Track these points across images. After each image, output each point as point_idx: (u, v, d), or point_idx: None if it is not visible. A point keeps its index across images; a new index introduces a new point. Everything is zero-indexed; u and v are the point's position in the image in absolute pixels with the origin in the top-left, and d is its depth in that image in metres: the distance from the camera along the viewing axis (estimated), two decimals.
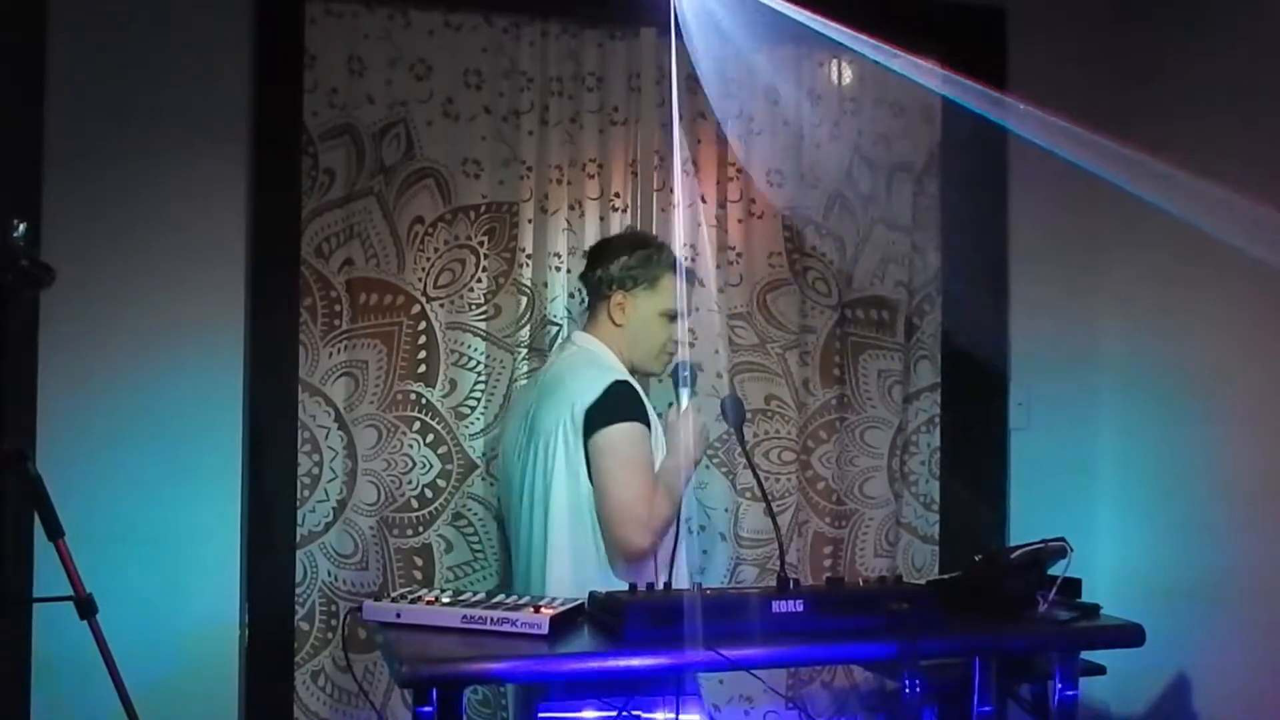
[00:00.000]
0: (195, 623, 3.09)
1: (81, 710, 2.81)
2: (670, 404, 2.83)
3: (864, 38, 3.33)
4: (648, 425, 2.68)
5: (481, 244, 3.39)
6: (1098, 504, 3.76)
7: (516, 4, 3.40)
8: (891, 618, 2.26)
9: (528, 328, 3.41)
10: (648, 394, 2.86)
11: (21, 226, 2.43)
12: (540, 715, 2.53)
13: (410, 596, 2.31)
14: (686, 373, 2.74)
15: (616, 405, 2.66)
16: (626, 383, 2.71)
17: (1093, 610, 2.50)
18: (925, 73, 3.69)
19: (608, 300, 2.85)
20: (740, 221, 3.57)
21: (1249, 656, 3.22)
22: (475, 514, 3.37)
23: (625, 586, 2.35)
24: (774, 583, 2.33)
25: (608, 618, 2.24)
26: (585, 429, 2.65)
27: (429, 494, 3.35)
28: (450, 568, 3.35)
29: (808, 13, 3.21)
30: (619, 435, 2.64)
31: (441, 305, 3.36)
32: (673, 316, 2.80)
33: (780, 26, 3.37)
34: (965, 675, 2.51)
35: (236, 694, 3.16)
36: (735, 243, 3.57)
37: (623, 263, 2.85)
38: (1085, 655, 2.66)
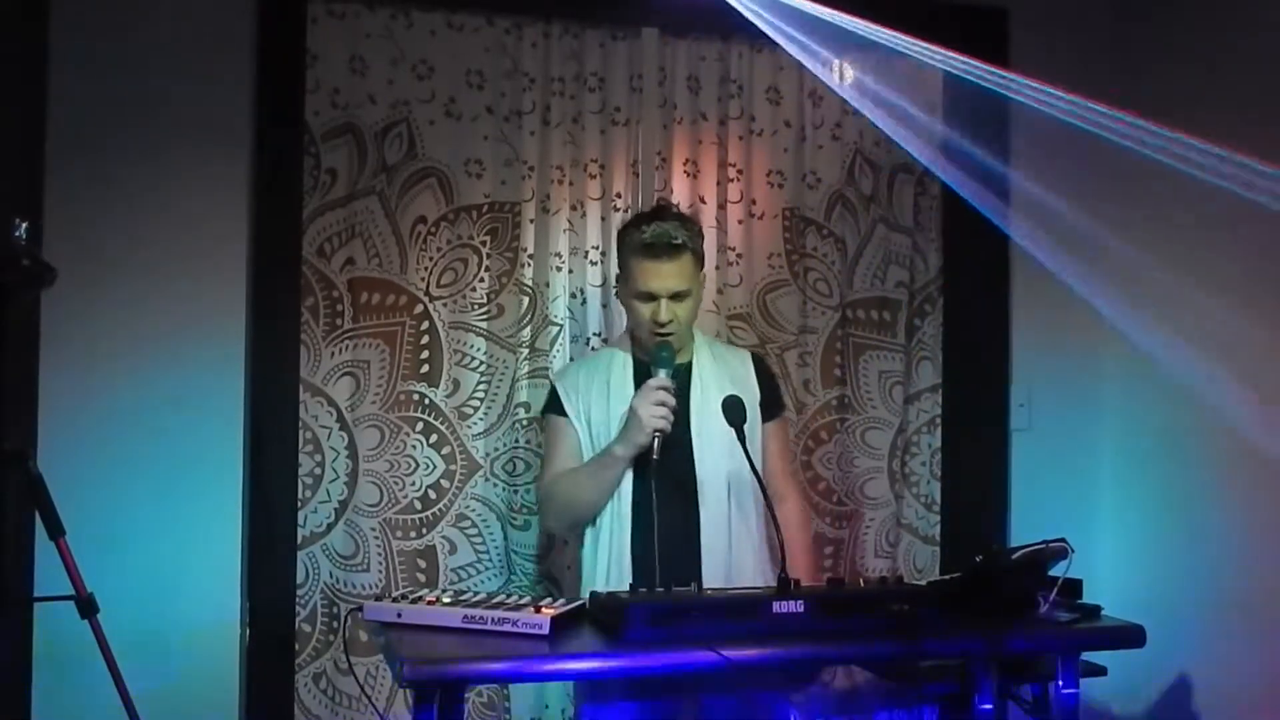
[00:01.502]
0: (196, 623, 3.09)
1: (82, 710, 2.81)
2: None
3: (867, 36, 3.33)
4: (559, 413, 2.86)
5: (484, 244, 3.39)
6: (1099, 505, 3.76)
7: (518, 5, 3.40)
8: (892, 618, 2.26)
9: (529, 327, 3.41)
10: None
11: (23, 226, 2.44)
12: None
13: (411, 597, 2.31)
14: (664, 353, 2.73)
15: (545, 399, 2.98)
16: (550, 379, 3.04)
17: (1093, 611, 2.49)
18: (927, 72, 3.69)
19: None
20: (740, 222, 3.57)
21: (1250, 657, 3.21)
22: (479, 515, 3.37)
23: None
24: (774, 583, 2.33)
25: (608, 618, 2.24)
26: None
27: (432, 495, 3.35)
28: (454, 569, 3.35)
29: (812, 7, 3.21)
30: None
31: (444, 305, 3.37)
32: (646, 297, 2.76)
33: (783, 26, 3.38)
34: (966, 676, 2.50)
35: (237, 695, 3.16)
36: (735, 243, 3.57)
37: (616, 247, 2.90)
38: (1086, 656, 2.65)
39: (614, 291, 2.92)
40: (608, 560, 2.74)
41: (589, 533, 2.82)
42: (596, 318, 3.45)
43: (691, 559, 2.71)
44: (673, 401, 2.67)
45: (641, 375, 2.81)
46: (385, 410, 3.33)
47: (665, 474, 2.67)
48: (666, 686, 2.55)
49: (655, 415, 2.63)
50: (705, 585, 2.57)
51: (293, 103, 3.24)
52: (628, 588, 2.41)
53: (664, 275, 2.74)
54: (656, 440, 2.63)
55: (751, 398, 2.85)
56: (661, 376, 2.69)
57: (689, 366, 2.86)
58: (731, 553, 2.76)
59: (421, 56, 3.35)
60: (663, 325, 2.75)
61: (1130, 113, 3.40)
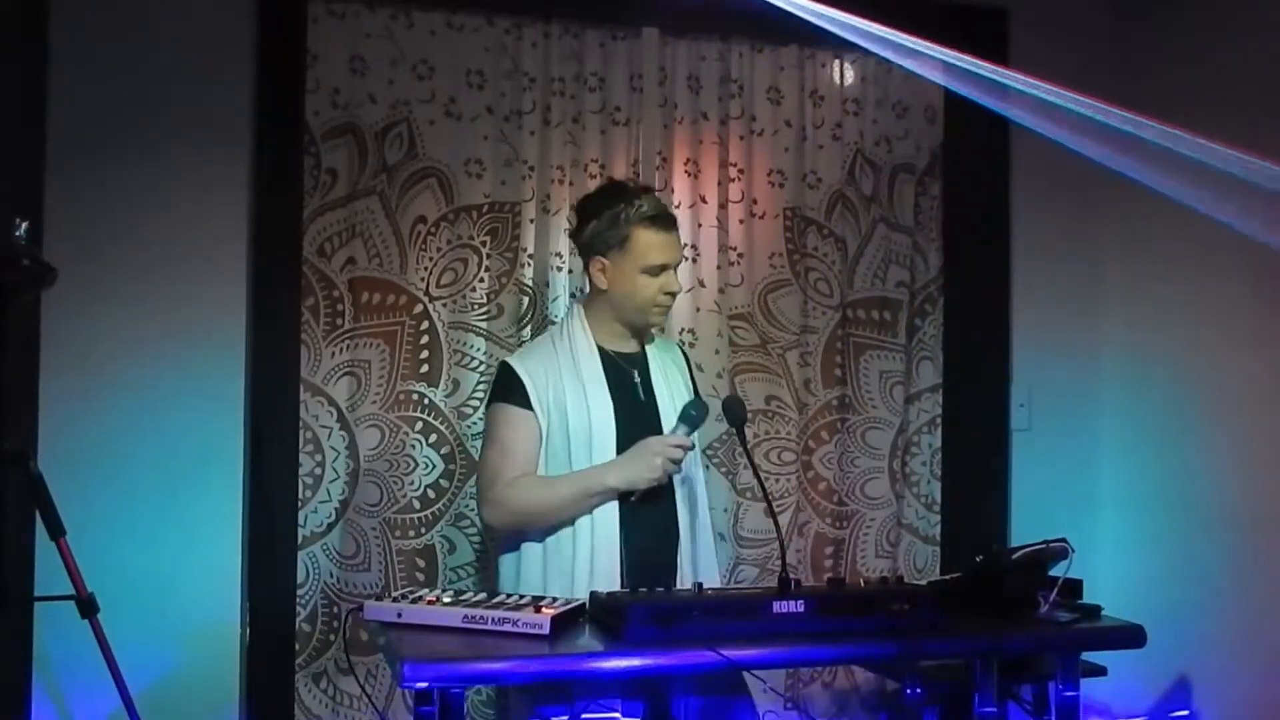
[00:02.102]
0: (196, 623, 3.09)
1: (82, 710, 2.82)
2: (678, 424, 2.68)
3: (867, 37, 3.33)
4: (522, 405, 2.67)
5: (484, 244, 3.39)
6: (1099, 505, 3.76)
7: (518, 5, 3.40)
8: (892, 619, 2.26)
9: (529, 327, 3.41)
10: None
11: (23, 226, 2.43)
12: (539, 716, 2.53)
13: (411, 596, 2.31)
14: (694, 411, 2.65)
15: (493, 385, 2.78)
16: (506, 364, 2.76)
17: (1094, 611, 2.49)
18: (927, 72, 3.69)
19: (589, 266, 2.77)
20: (741, 222, 3.57)
21: (1249, 657, 3.21)
22: (478, 515, 3.37)
23: None
24: (774, 583, 2.33)
25: (609, 618, 2.24)
26: None
27: (431, 494, 3.35)
28: (453, 569, 3.35)
29: (813, 6, 3.21)
30: (488, 413, 2.79)
31: (444, 305, 3.37)
32: (655, 270, 2.69)
33: (784, 26, 3.38)
34: (966, 676, 2.50)
35: (238, 695, 3.16)
36: (736, 243, 3.57)
37: (593, 228, 2.73)
38: (1086, 656, 2.65)
39: (595, 273, 2.72)
40: (589, 566, 2.63)
41: (534, 546, 2.69)
42: None
43: (669, 558, 2.68)
44: (685, 462, 2.65)
45: (608, 363, 2.74)
46: (385, 410, 3.33)
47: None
48: (625, 687, 2.51)
49: (669, 470, 2.60)
50: (681, 583, 2.59)
51: (293, 103, 3.24)
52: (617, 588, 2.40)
53: (671, 246, 2.71)
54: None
55: (689, 387, 2.86)
56: (683, 433, 2.63)
57: (644, 355, 2.81)
58: (697, 548, 2.74)
59: (421, 56, 3.35)
60: (673, 295, 2.74)
61: (1130, 112, 3.40)
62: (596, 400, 2.69)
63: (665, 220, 2.71)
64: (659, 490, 2.66)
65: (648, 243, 2.68)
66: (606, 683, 2.43)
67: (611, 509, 2.63)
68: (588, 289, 2.81)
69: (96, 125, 3.08)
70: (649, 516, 2.65)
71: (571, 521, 2.63)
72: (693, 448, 2.65)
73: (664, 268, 2.70)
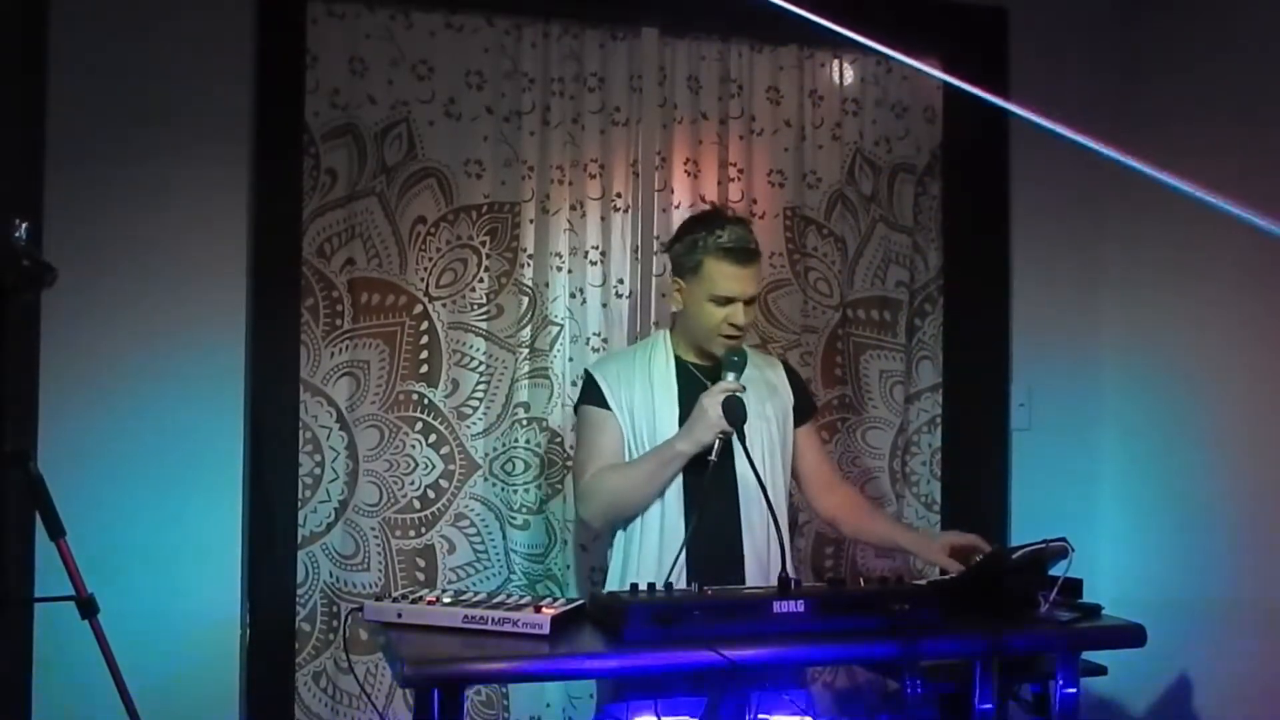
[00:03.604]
0: (196, 623, 3.08)
1: (82, 710, 2.82)
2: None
3: (867, 38, 3.34)
4: (600, 405, 2.80)
5: (483, 244, 3.39)
6: (1099, 504, 3.76)
7: (518, 5, 3.40)
8: (892, 619, 2.26)
9: (529, 328, 3.41)
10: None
11: (23, 226, 2.43)
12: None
13: (411, 596, 2.31)
14: (735, 357, 2.70)
15: (580, 391, 2.92)
16: (586, 370, 2.94)
17: (1094, 610, 2.49)
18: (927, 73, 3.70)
19: (673, 285, 2.87)
20: None
21: (1250, 657, 3.21)
22: (478, 515, 3.37)
23: None
24: (775, 583, 2.33)
25: (608, 618, 2.24)
26: None
27: (431, 494, 3.35)
28: (453, 569, 3.35)
29: (811, 12, 3.22)
30: (577, 417, 2.91)
31: (443, 305, 3.37)
32: (722, 300, 2.73)
33: (783, 27, 3.37)
34: (966, 675, 2.50)
35: (237, 694, 3.16)
36: None
37: (675, 250, 2.84)
38: (1086, 655, 2.65)
39: (673, 292, 2.83)
40: (656, 559, 2.69)
41: (620, 536, 2.78)
42: (596, 318, 3.45)
43: (736, 560, 2.71)
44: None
45: (684, 373, 2.81)
46: (385, 410, 3.33)
47: (713, 475, 2.65)
48: (690, 682, 2.53)
49: (726, 417, 2.62)
50: (749, 581, 2.61)
51: (293, 103, 3.24)
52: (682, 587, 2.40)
53: (744, 280, 2.74)
54: (719, 442, 2.61)
55: (788, 403, 2.88)
56: (732, 379, 2.67)
57: None
58: (770, 553, 2.73)
59: (421, 57, 3.35)
60: (740, 328, 2.76)
61: (1130, 112, 3.40)
62: (663, 405, 2.77)
63: (740, 254, 2.73)
64: (723, 488, 2.70)
65: (716, 273, 2.73)
66: (659, 678, 2.46)
67: (678, 511, 2.69)
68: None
69: (96, 125, 3.07)
70: (713, 514, 2.67)
71: (655, 499, 2.70)
72: (743, 390, 2.66)
73: (730, 300, 2.74)
